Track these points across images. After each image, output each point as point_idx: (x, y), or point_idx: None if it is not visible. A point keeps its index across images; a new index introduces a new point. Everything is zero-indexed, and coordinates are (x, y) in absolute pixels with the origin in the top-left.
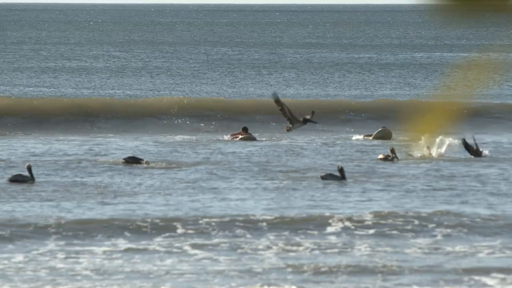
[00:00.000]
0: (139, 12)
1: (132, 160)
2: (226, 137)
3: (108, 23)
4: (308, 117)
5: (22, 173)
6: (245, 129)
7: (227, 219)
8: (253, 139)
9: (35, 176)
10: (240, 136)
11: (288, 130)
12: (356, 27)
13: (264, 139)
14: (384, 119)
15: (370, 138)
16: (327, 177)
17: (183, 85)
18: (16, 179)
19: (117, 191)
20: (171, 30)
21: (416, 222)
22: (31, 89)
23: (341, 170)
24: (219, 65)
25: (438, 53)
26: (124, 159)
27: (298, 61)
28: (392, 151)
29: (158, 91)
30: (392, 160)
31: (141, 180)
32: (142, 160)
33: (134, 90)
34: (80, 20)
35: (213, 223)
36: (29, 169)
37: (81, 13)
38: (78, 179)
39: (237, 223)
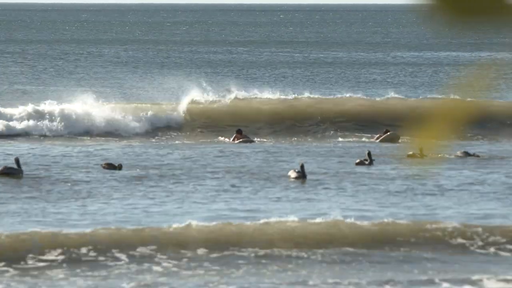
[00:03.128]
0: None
1: (109, 166)
2: (227, 139)
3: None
4: None
5: (13, 166)
6: (239, 131)
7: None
8: (251, 141)
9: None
10: (237, 141)
11: None
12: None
13: (258, 140)
14: (386, 123)
15: (377, 140)
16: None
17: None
18: (9, 172)
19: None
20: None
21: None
22: None
23: (301, 167)
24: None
25: (439, 53)
26: (101, 165)
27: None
28: (369, 154)
29: None
30: (369, 164)
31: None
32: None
33: None
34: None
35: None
36: (17, 161)
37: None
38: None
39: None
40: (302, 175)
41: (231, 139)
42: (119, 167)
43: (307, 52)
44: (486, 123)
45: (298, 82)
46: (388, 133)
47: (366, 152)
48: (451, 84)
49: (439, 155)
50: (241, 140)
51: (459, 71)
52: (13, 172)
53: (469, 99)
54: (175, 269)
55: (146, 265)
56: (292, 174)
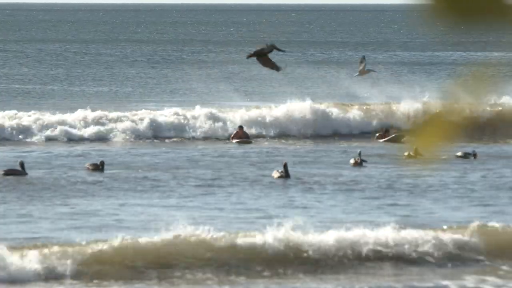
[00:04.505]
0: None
1: (94, 167)
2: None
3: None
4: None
5: (17, 167)
6: (240, 128)
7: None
8: (249, 142)
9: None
10: (235, 140)
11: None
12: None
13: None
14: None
15: (381, 139)
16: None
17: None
18: (12, 173)
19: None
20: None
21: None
22: None
23: (284, 166)
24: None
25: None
26: (86, 165)
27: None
28: (359, 154)
29: None
30: (360, 164)
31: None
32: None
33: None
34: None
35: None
36: (21, 164)
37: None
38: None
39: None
40: (285, 174)
41: (232, 135)
42: (101, 165)
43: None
44: (482, 124)
45: None
46: (393, 135)
47: (358, 152)
48: (448, 85)
49: (440, 156)
50: (238, 140)
51: (456, 71)
52: (16, 174)
53: (466, 99)
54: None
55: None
56: (275, 174)
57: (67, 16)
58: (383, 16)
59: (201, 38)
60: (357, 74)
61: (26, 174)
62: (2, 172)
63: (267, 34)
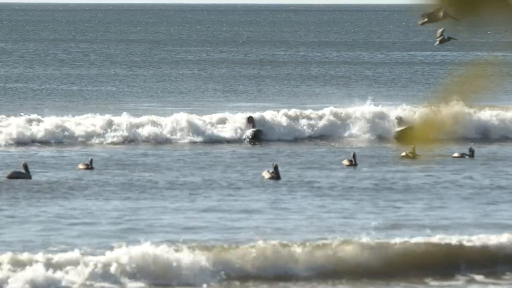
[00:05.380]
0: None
1: (85, 167)
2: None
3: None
4: None
5: (21, 170)
6: (250, 119)
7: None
8: (259, 131)
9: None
10: (249, 132)
11: None
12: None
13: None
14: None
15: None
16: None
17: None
18: (17, 176)
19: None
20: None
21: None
22: None
23: (275, 168)
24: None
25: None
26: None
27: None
28: (354, 156)
29: None
30: (355, 165)
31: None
32: (89, 165)
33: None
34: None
35: None
36: (25, 166)
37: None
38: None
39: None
40: (276, 176)
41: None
42: (90, 163)
43: None
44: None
45: None
46: (405, 126)
47: (352, 153)
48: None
49: (435, 156)
50: (250, 133)
51: (451, 71)
52: (21, 177)
53: (460, 102)
54: None
55: None
56: (266, 175)
57: (67, 16)
58: (381, 16)
59: (198, 38)
60: (437, 43)
61: (30, 177)
62: (6, 176)
63: (265, 34)
